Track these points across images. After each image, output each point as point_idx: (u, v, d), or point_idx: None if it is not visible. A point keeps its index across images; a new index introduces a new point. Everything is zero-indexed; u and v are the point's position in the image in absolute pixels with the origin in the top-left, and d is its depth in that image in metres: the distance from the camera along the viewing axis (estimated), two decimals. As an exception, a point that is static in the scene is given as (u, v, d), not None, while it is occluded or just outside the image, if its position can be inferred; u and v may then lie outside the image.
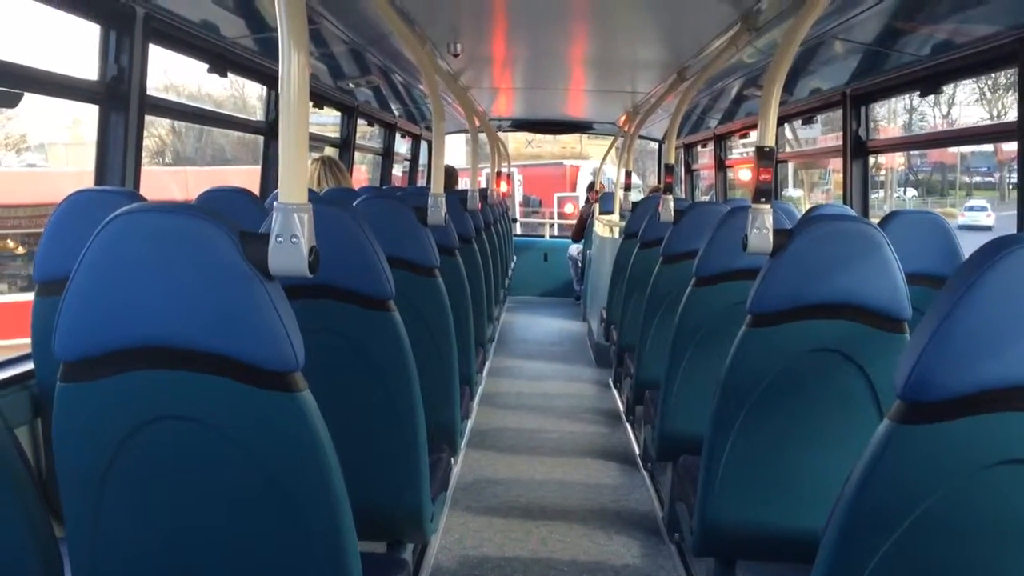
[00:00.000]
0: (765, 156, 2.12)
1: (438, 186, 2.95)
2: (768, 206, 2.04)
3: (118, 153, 2.61)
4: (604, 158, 9.88)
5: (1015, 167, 2.78)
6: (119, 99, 2.61)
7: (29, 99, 2.32)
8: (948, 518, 1.20)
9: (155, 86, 2.84)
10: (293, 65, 1.31)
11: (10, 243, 11.64)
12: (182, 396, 1.29)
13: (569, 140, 19.58)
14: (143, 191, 2.56)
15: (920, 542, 1.21)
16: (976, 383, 1.15)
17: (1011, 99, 2.66)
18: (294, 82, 1.31)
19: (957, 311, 1.15)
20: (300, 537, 1.35)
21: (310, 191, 3.47)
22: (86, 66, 2.61)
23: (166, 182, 13.55)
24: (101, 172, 2.63)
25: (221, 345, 1.27)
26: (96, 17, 2.54)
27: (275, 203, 1.32)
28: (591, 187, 9.73)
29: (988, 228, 17.60)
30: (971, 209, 19.33)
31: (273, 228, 1.29)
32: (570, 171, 21.30)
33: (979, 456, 1.17)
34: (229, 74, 3.41)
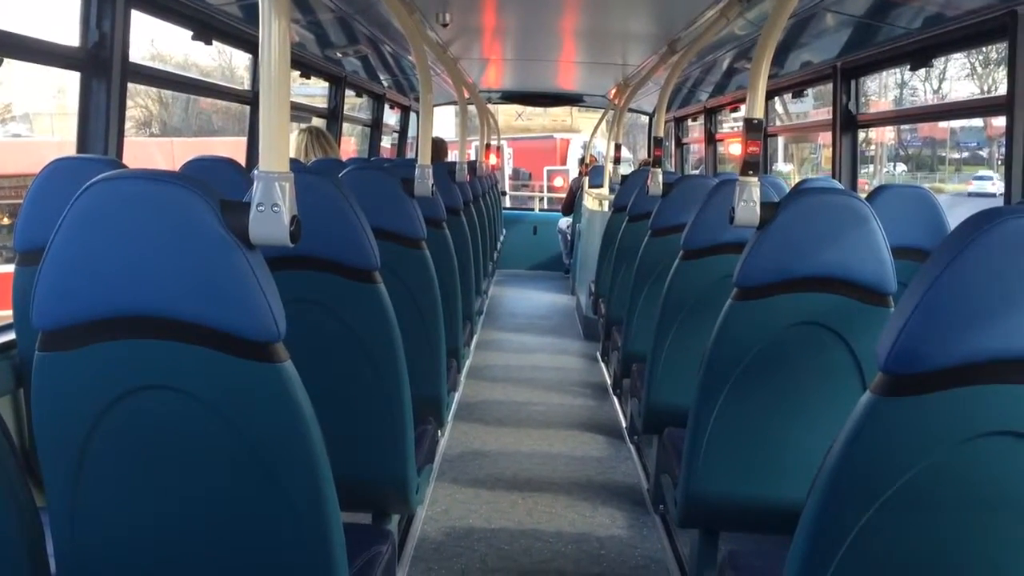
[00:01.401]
0: (753, 128, 2.11)
1: (425, 157, 2.93)
2: (755, 179, 2.03)
3: (100, 121, 2.58)
4: (594, 131, 9.84)
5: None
6: (101, 66, 2.57)
7: (14, 69, 2.28)
8: (928, 491, 1.21)
9: (141, 56, 2.80)
10: (274, 30, 1.28)
11: (-6, 214, 11.52)
12: (162, 366, 1.28)
13: (559, 113, 19.44)
14: (128, 161, 2.53)
15: (900, 514, 1.22)
16: (958, 355, 1.15)
17: (1001, 74, 2.65)
18: (275, 48, 1.29)
19: (940, 283, 1.14)
20: (282, 507, 1.35)
21: (297, 162, 3.45)
22: (68, 32, 2.57)
23: (152, 152, 13.44)
24: (83, 140, 2.60)
25: (201, 314, 1.26)
26: (77, -19, 2.50)
27: (256, 172, 1.30)
28: (583, 160, 9.69)
29: (993, 195, 18.17)
30: (979, 178, 20.48)
31: (254, 197, 1.27)
32: (560, 144, 21.19)
33: (960, 429, 1.18)
34: (218, 46, 3.37)
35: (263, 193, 1.28)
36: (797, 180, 4.01)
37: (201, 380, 1.29)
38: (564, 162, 19.83)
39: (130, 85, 2.70)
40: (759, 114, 2.14)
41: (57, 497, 1.36)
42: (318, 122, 5.28)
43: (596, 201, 6.52)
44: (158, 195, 1.24)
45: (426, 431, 2.66)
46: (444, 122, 10.00)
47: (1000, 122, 2.66)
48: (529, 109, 14.16)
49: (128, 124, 2.73)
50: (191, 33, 3.22)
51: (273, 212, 1.27)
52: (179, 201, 1.23)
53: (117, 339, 1.27)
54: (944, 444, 1.18)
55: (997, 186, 19.11)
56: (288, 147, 1.35)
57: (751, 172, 2.05)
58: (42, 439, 1.34)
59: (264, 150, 1.31)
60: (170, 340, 1.27)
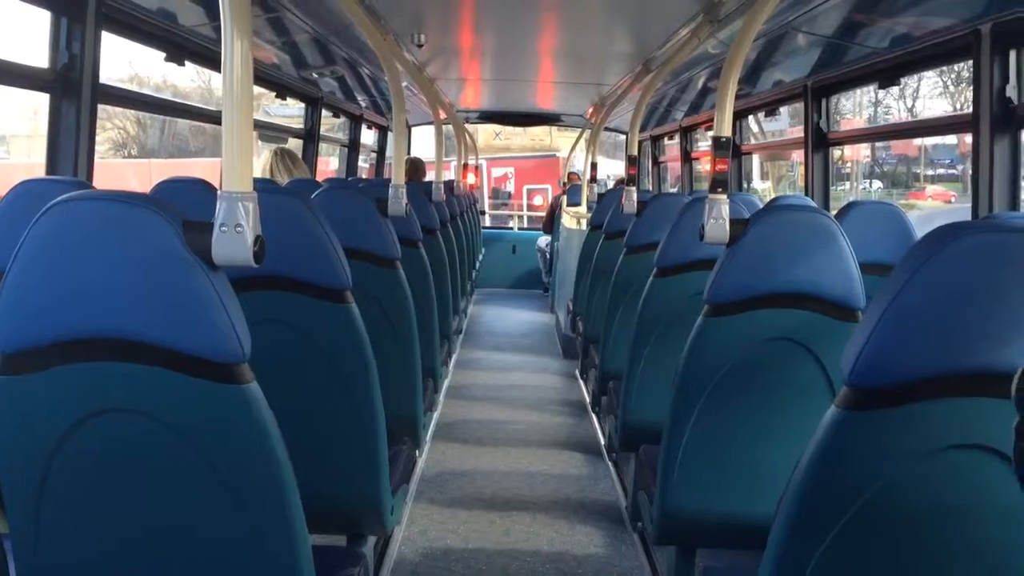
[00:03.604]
0: (721, 147, 2.14)
1: (399, 177, 2.93)
2: (724, 196, 2.05)
3: (70, 142, 2.56)
4: (571, 150, 9.90)
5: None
6: (71, 87, 2.55)
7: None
8: (894, 504, 1.21)
9: (118, 77, 2.79)
10: (236, 49, 1.28)
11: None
12: (125, 389, 1.27)
13: (538, 132, 19.52)
14: (104, 184, 2.51)
15: (868, 528, 1.22)
16: (920, 369, 1.16)
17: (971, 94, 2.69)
18: (237, 67, 1.29)
19: (902, 298, 1.15)
20: (248, 531, 1.33)
21: (271, 182, 3.44)
22: (38, 53, 2.56)
23: (128, 174, 13.35)
24: (52, 162, 2.58)
25: (164, 336, 1.25)
26: (45, 2, 2.48)
27: (219, 192, 1.29)
28: (561, 182, 9.73)
29: None
30: None
31: (217, 217, 1.27)
32: (564, 162, 21.14)
33: (923, 442, 1.18)
34: (197, 68, 3.36)
35: (226, 213, 1.27)
36: (773, 197, 4.06)
37: (165, 403, 1.28)
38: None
39: (108, 107, 2.68)
40: (727, 132, 2.16)
41: (19, 523, 1.33)
42: (293, 143, 5.28)
43: (574, 219, 6.55)
44: (119, 216, 1.23)
45: (401, 451, 2.64)
46: (426, 142, 9.99)
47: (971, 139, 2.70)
48: (508, 129, 14.22)
49: (105, 146, 2.73)
50: (164, 55, 3.22)
51: (236, 232, 1.26)
52: (140, 222, 1.22)
53: (79, 362, 1.26)
54: (908, 458, 1.19)
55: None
56: (252, 166, 1.34)
57: (720, 190, 2.07)
58: (3, 464, 1.32)
59: (227, 170, 1.30)
60: (133, 362, 1.26)
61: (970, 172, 2.66)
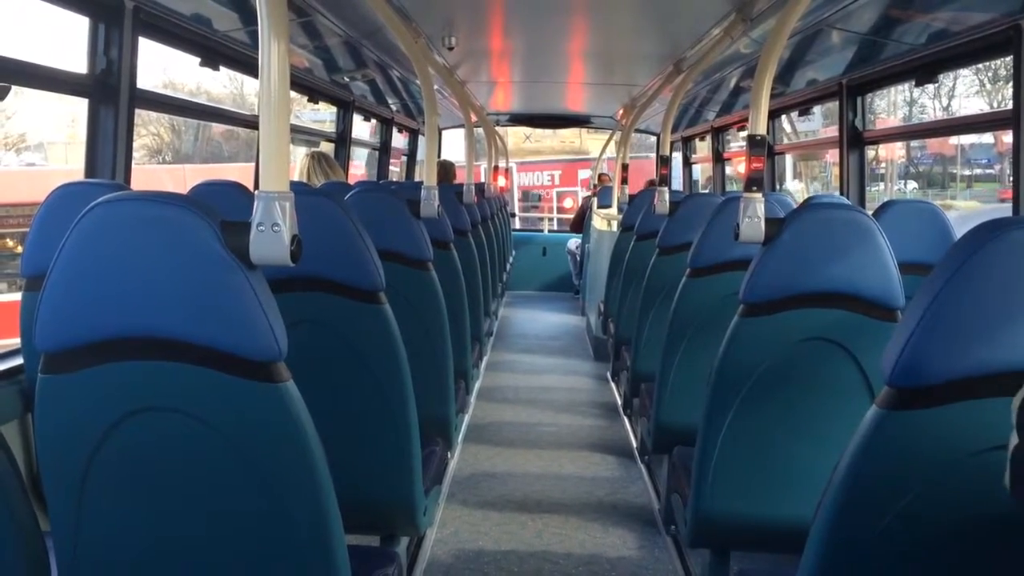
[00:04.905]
0: (757, 145, 2.12)
1: (430, 179, 2.94)
2: (759, 195, 2.03)
3: (108, 146, 2.60)
4: (602, 152, 9.88)
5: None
6: (109, 92, 2.60)
7: (28, 100, 2.31)
8: (938, 505, 1.19)
9: (152, 84, 2.83)
10: (273, 50, 1.29)
11: (9, 242, 11.59)
12: (164, 387, 1.28)
13: (568, 135, 19.50)
14: (140, 188, 2.54)
15: (910, 530, 1.20)
16: (964, 368, 1.14)
17: (1011, 90, 2.64)
18: (274, 68, 1.30)
19: (944, 295, 1.13)
20: (284, 528, 1.34)
21: (304, 184, 3.47)
22: (77, 59, 2.60)
23: (163, 179, 13.55)
24: (91, 166, 2.62)
25: (202, 335, 1.26)
26: (84, 9, 2.53)
27: (256, 192, 1.30)
28: (591, 183, 9.73)
29: None
30: None
31: (254, 217, 1.28)
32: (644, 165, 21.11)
33: (968, 442, 1.16)
34: (229, 74, 3.40)
35: (263, 213, 1.28)
36: (807, 197, 4.02)
37: (203, 401, 1.29)
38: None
39: (144, 114, 2.72)
40: (762, 130, 2.14)
41: (60, 520, 1.35)
42: (325, 146, 5.32)
43: (604, 221, 6.53)
44: (158, 216, 1.24)
45: (434, 452, 2.65)
46: (455, 146, 10.03)
47: (1010, 138, 2.65)
48: (538, 131, 14.23)
49: (141, 152, 2.76)
50: (199, 60, 3.26)
51: (273, 232, 1.27)
52: (179, 222, 1.24)
53: (118, 360, 1.28)
54: (952, 458, 1.16)
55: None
56: (288, 167, 1.35)
57: (755, 188, 2.05)
58: (45, 461, 1.34)
59: (264, 170, 1.31)
60: (171, 361, 1.27)
61: (1007, 171, 2.61)
